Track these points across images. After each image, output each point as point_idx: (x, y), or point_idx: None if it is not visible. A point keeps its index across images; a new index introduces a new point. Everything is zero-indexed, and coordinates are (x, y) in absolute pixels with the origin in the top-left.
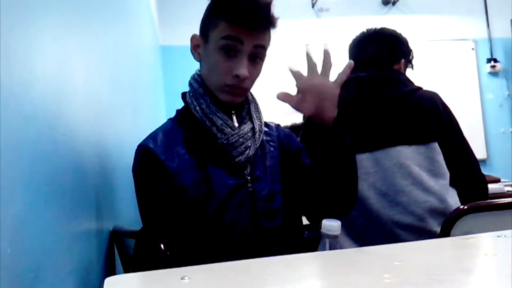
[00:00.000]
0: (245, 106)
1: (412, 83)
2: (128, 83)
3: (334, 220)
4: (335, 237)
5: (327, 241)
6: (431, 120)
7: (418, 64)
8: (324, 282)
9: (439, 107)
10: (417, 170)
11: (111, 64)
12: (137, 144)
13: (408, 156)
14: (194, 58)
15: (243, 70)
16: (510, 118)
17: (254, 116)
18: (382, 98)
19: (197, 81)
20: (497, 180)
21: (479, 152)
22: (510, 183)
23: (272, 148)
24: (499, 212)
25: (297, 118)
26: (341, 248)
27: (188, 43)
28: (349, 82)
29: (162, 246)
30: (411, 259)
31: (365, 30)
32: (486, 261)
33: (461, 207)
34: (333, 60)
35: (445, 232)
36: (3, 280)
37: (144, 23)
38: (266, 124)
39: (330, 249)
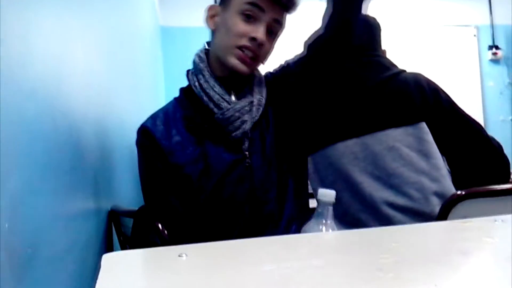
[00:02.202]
0: (249, 81)
1: (395, 66)
2: (127, 62)
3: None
4: (330, 204)
5: (324, 207)
6: (416, 100)
7: (419, 49)
8: (320, 261)
9: (424, 87)
10: (407, 151)
11: (110, 43)
12: (136, 123)
13: (397, 138)
14: (208, 27)
15: (261, 34)
16: (510, 106)
17: (256, 90)
18: (367, 82)
19: (200, 57)
20: None
21: None
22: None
23: (269, 120)
24: (497, 198)
25: None
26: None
27: (188, 24)
28: (335, 70)
29: (160, 225)
30: (408, 241)
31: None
32: (483, 244)
33: (458, 192)
34: None
35: (442, 217)
36: (2, 254)
37: (143, 3)
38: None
39: (326, 215)
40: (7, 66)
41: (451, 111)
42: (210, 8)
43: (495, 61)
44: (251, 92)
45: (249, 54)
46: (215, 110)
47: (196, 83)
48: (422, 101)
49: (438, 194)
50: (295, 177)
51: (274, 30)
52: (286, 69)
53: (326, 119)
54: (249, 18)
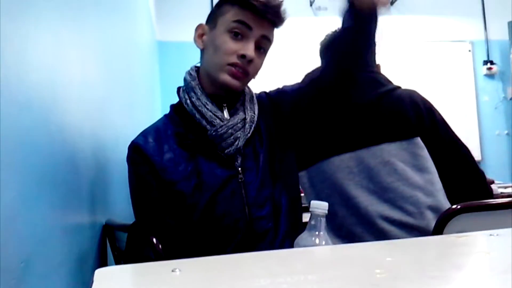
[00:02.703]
0: (240, 98)
1: (390, 82)
2: (123, 77)
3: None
4: (323, 215)
5: (316, 219)
6: (411, 116)
7: (415, 65)
8: (314, 276)
9: (418, 103)
10: (402, 166)
11: (106, 57)
12: (131, 137)
13: (392, 153)
14: (197, 46)
15: (250, 51)
16: (505, 121)
17: (248, 107)
18: (362, 98)
19: (191, 74)
20: (491, 182)
21: (473, 154)
22: (504, 184)
23: (261, 136)
24: (492, 212)
25: None
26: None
27: (185, 39)
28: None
29: (154, 240)
30: (403, 256)
31: (336, 30)
32: (478, 258)
33: (454, 206)
34: None
35: (438, 231)
36: None
37: (141, 17)
38: (257, 97)
39: (319, 227)
40: (3, 79)
41: (445, 131)
42: (198, 27)
43: (490, 76)
44: (243, 109)
45: (238, 72)
46: (208, 127)
47: (188, 101)
48: (417, 118)
49: (433, 209)
50: (288, 193)
51: (262, 45)
52: (282, 94)
53: (321, 134)
54: (237, 35)
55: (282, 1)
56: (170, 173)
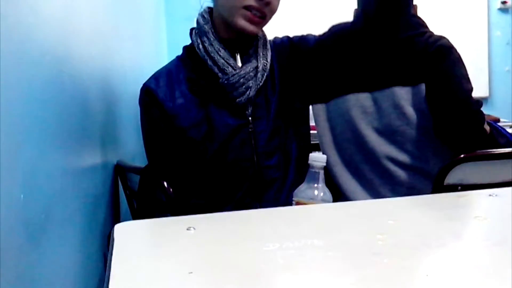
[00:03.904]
0: (253, 43)
1: (423, 26)
2: (129, 7)
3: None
4: (321, 168)
5: (315, 171)
6: (422, 63)
7: None
8: (320, 241)
9: (434, 50)
10: (411, 110)
11: None
12: (140, 75)
13: (403, 96)
14: None
15: None
16: None
17: (261, 53)
18: (385, 40)
19: (204, 17)
20: (496, 120)
21: (481, 90)
22: (509, 123)
23: (274, 82)
24: (494, 161)
25: None
26: (335, 177)
27: None
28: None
29: (165, 183)
30: (404, 219)
31: None
32: (475, 225)
33: (457, 156)
34: None
35: (440, 179)
36: (17, 225)
37: None
38: (277, 41)
39: (317, 178)
40: (17, 34)
41: (444, 76)
42: None
43: (504, 10)
44: (256, 55)
45: (257, 13)
46: (220, 75)
47: (200, 46)
48: (427, 64)
49: (438, 154)
50: (299, 141)
51: None
52: (305, 40)
53: (341, 72)
54: None
55: None
56: (181, 119)
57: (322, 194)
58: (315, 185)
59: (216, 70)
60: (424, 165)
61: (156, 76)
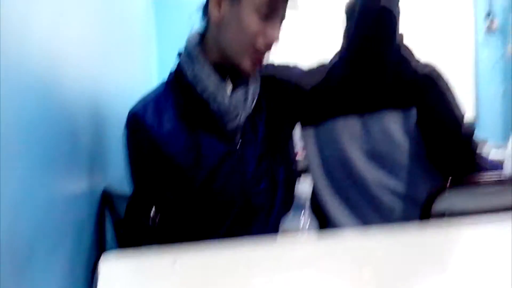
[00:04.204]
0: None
1: (411, 54)
2: (119, 29)
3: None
4: (307, 199)
5: (302, 200)
6: (412, 88)
7: (413, 16)
8: (307, 273)
9: (423, 76)
10: (400, 136)
11: (102, 11)
12: (129, 100)
13: (392, 121)
14: (212, 14)
15: (277, 34)
16: (502, 78)
17: (251, 79)
18: (375, 65)
19: (195, 43)
20: (484, 142)
21: (468, 111)
22: (497, 145)
23: (262, 106)
24: (482, 189)
25: None
26: (322, 202)
27: None
28: (349, 49)
29: (152, 211)
30: (390, 250)
31: None
32: (461, 257)
33: (444, 183)
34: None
35: (427, 206)
36: (2, 255)
37: None
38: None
39: (301, 206)
40: (6, 59)
41: (439, 108)
42: None
43: (491, 31)
44: (246, 81)
45: (261, 56)
46: (210, 101)
47: (189, 71)
48: (417, 90)
49: (427, 181)
50: (286, 166)
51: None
52: (291, 74)
53: (330, 96)
54: (264, 17)
55: None
56: (169, 146)
57: (307, 224)
58: (301, 214)
59: (205, 96)
60: (412, 191)
61: (143, 102)
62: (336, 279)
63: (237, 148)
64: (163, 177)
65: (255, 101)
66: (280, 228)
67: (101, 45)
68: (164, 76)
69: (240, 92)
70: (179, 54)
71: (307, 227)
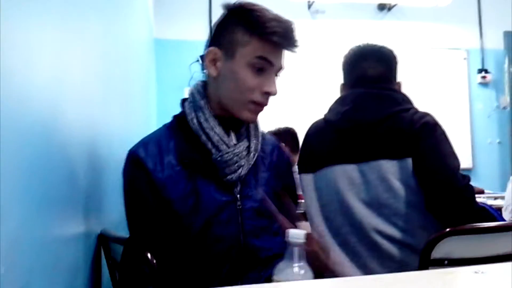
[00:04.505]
0: (244, 123)
1: (408, 102)
2: (120, 77)
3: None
4: (301, 244)
5: (294, 249)
6: (408, 137)
7: (410, 71)
8: None
9: (419, 125)
10: (397, 184)
11: (104, 60)
12: (127, 142)
13: (389, 170)
14: (209, 73)
15: (274, 87)
16: (497, 129)
17: (252, 134)
18: (373, 114)
19: (200, 92)
20: (481, 192)
21: (465, 161)
22: (493, 195)
23: (265, 166)
24: (481, 235)
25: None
26: (325, 248)
27: (183, 37)
28: (347, 97)
29: (149, 255)
30: None
31: (362, 45)
32: None
33: (443, 230)
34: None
35: (426, 253)
36: None
37: (138, 14)
38: (264, 137)
39: (296, 256)
40: (6, 103)
41: (430, 153)
42: (209, 52)
43: (484, 84)
44: (247, 134)
45: (260, 108)
46: (213, 151)
47: (195, 120)
48: (413, 140)
49: (425, 228)
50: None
51: (278, 75)
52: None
53: (328, 142)
54: (258, 70)
55: (293, 25)
56: (169, 190)
57: (302, 272)
58: (295, 263)
59: (209, 146)
60: (411, 239)
61: (144, 143)
62: None
63: (236, 199)
64: (160, 222)
65: (256, 155)
66: (273, 276)
67: (102, 87)
68: (163, 121)
69: (242, 145)
70: (183, 101)
71: (301, 277)
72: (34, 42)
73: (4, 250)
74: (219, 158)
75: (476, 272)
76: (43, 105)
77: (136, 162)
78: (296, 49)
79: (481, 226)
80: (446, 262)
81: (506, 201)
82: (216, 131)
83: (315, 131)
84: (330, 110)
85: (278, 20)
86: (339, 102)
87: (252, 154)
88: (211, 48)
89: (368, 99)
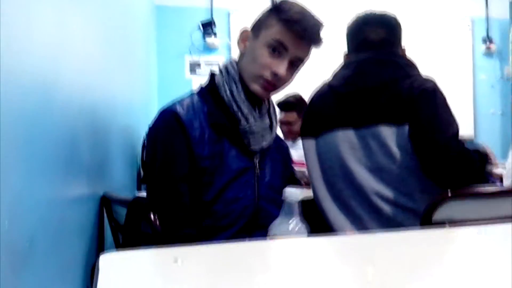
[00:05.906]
0: (265, 104)
1: (412, 66)
2: (120, 44)
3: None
4: (296, 202)
5: (290, 206)
6: (407, 103)
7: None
8: (310, 273)
9: (418, 92)
10: (396, 150)
11: (104, 24)
12: (129, 108)
13: (389, 136)
14: (239, 49)
15: (282, 69)
16: (500, 100)
17: (272, 115)
18: (374, 79)
19: (234, 68)
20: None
21: (467, 131)
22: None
23: (279, 157)
24: (482, 200)
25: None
26: (324, 212)
27: (183, 3)
28: (351, 62)
29: (152, 216)
30: (393, 252)
31: (365, 12)
32: (464, 260)
33: (444, 194)
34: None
35: (427, 216)
36: (2, 252)
37: None
38: (280, 140)
39: (292, 213)
40: (7, 63)
41: (426, 120)
42: (243, 32)
43: (489, 54)
44: (268, 115)
45: (268, 85)
46: (242, 120)
47: (228, 92)
48: (411, 106)
49: (425, 192)
50: None
51: (295, 64)
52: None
53: (330, 107)
54: (274, 51)
55: (322, 24)
56: (200, 148)
57: (297, 228)
58: (290, 220)
59: (239, 115)
60: (411, 202)
61: (181, 104)
62: (340, 279)
63: (255, 167)
64: (187, 177)
65: (275, 134)
66: (268, 235)
67: (102, 53)
68: (163, 89)
69: (266, 121)
70: (212, 75)
71: (295, 233)
72: (34, 8)
73: (7, 204)
74: (247, 128)
75: (478, 233)
76: (44, 66)
77: (177, 119)
78: (317, 46)
79: (482, 191)
80: (447, 224)
81: (507, 170)
82: (245, 104)
83: (318, 96)
84: (334, 75)
85: (307, 15)
86: (343, 67)
87: (274, 130)
88: (245, 28)
89: (370, 65)
